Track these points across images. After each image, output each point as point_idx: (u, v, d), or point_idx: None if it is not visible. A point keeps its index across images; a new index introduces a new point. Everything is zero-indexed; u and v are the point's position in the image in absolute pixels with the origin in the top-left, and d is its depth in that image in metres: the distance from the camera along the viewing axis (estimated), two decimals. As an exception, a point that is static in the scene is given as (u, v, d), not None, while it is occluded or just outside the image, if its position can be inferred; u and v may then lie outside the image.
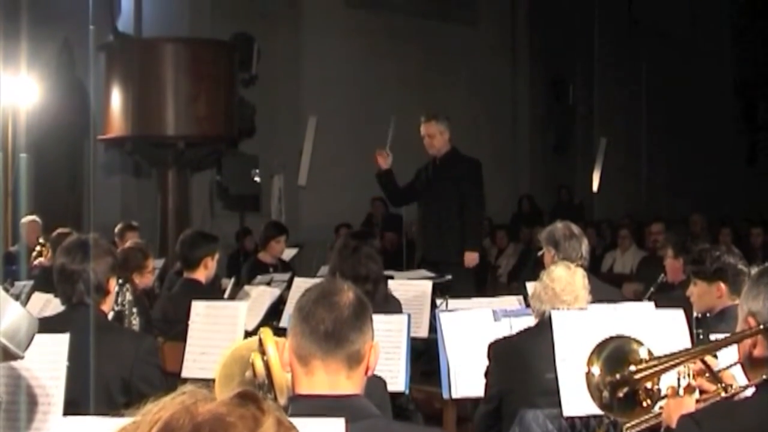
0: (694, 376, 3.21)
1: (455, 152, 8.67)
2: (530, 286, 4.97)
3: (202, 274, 6.43)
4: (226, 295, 6.96)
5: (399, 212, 11.44)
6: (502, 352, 4.67)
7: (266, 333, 2.94)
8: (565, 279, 4.57)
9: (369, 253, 5.70)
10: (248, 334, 5.29)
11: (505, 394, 4.58)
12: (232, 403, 1.46)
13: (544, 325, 4.42)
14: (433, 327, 5.71)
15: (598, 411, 3.42)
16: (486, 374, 4.73)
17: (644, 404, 3.28)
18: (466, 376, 5.10)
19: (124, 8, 14.44)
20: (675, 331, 4.32)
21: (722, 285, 5.01)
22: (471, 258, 8.44)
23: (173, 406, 1.45)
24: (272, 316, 6.91)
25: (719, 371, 3.22)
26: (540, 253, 6.15)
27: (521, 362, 4.54)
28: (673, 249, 7.07)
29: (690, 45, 21.81)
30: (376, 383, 3.37)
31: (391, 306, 5.81)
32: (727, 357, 3.22)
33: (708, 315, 5.04)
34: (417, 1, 17.60)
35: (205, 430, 1.42)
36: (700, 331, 4.77)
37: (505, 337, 4.82)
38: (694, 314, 5.02)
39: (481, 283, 12.49)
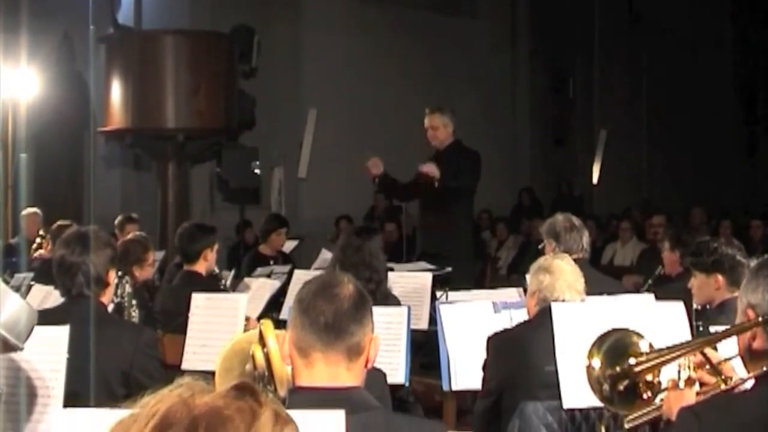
0: (694, 368, 3.21)
1: (458, 144, 8.62)
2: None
3: (202, 267, 6.43)
4: (226, 287, 6.96)
5: (400, 204, 11.42)
6: (501, 345, 4.65)
7: (266, 325, 2.93)
8: (571, 270, 4.57)
9: (373, 250, 5.66)
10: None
11: (504, 387, 4.57)
12: (230, 396, 1.46)
13: (544, 317, 4.40)
14: (433, 319, 5.71)
15: (598, 403, 3.41)
16: (484, 368, 4.71)
17: (645, 397, 3.28)
18: (466, 368, 5.09)
19: (124, 0, 14.41)
20: (675, 324, 4.31)
21: (720, 277, 5.02)
22: (428, 165, 8.34)
23: (171, 399, 1.45)
24: (272, 308, 6.91)
25: (719, 363, 3.22)
26: (541, 246, 6.14)
27: (521, 354, 4.52)
28: (669, 241, 7.07)
29: (690, 37, 21.77)
30: (376, 376, 3.37)
31: (391, 305, 5.77)
32: (727, 349, 3.21)
33: (708, 307, 5.04)
34: (417, -6, 17.58)
35: (203, 423, 1.41)
36: (700, 323, 4.76)
37: (504, 330, 4.80)
38: (694, 306, 5.02)
39: (481, 276, 12.50)
